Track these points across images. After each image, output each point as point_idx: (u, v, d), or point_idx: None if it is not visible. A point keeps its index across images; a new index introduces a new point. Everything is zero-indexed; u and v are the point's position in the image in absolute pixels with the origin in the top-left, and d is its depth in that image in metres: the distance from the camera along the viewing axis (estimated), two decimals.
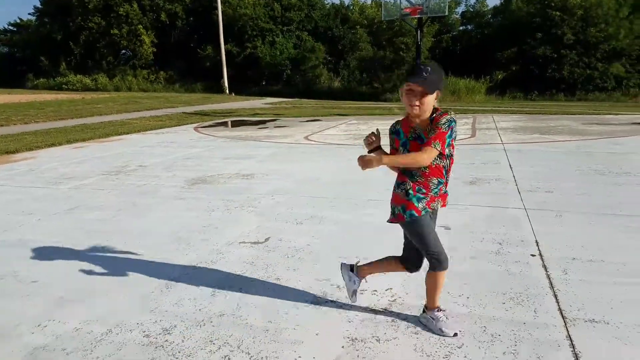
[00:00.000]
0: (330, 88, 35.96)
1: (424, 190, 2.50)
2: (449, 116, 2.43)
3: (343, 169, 7.30)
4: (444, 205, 2.62)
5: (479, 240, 4.00)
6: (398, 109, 20.57)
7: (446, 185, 2.58)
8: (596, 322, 2.69)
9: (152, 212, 5.14)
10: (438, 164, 2.48)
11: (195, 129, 13.70)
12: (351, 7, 40.21)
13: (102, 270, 3.60)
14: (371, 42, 35.18)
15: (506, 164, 7.22)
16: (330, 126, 13.62)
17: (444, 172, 2.52)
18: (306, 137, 11.17)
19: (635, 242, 3.88)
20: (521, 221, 4.48)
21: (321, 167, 7.44)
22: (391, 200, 2.64)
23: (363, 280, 2.96)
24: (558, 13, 34.79)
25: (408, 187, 2.51)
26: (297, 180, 6.50)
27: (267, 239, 4.14)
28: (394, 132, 2.58)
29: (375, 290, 3.11)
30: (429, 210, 2.53)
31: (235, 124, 15.05)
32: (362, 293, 3.06)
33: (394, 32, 32.88)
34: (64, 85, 38.02)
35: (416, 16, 16.42)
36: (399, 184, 2.57)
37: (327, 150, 9.26)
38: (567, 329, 2.62)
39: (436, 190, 2.53)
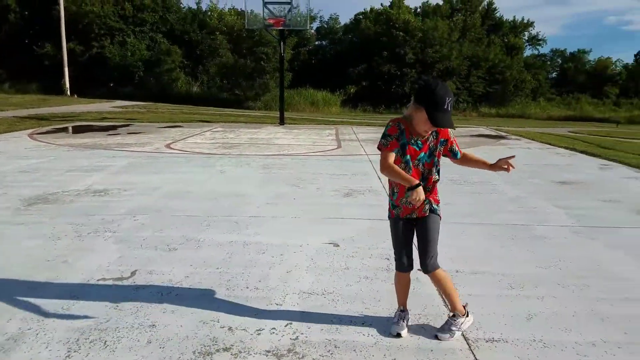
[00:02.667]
0: (188, 93, 34.63)
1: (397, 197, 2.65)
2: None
3: (216, 181, 6.78)
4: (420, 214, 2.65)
5: (368, 257, 3.88)
6: (263, 116, 20.41)
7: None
8: (496, 341, 2.67)
9: None
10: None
11: (31, 135, 11.80)
12: (209, 13, 39.19)
13: None
14: (231, 49, 34.67)
15: (374, 174, 7.38)
16: (194, 133, 12.83)
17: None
18: (167, 145, 10.29)
19: (506, 251, 4.11)
20: None
21: (190, 180, 6.79)
22: None
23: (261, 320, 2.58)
24: (401, 34, 38.21)
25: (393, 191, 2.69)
26: (162, 196, 5.79)
27: (133, 273, 3.46)
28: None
29: (274, 328, 2.72)
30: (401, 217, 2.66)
31: (81, 130, 13.33)
32: (259, 333, 2.66)
33: (254, 42, 32.87)
34: None
35: (279, 28, 16.44)
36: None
37: (194, 160, 8.58)
38: (473, 353, 2.54)
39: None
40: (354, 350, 2.54)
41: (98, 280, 3.34)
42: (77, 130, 13.41)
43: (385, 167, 2.51)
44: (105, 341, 2.54)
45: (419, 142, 2.55)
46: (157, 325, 2.73)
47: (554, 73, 52.27)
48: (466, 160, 2.76)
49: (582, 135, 16.15)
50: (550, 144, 11.98)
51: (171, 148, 9.98)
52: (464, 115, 33.37)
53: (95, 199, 5.59)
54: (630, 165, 8.56)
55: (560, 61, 52.64)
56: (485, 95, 40.76)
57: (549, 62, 51.86)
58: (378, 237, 4.32)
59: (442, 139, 2.61)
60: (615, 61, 50.60)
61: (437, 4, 46.19)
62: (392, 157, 2.51)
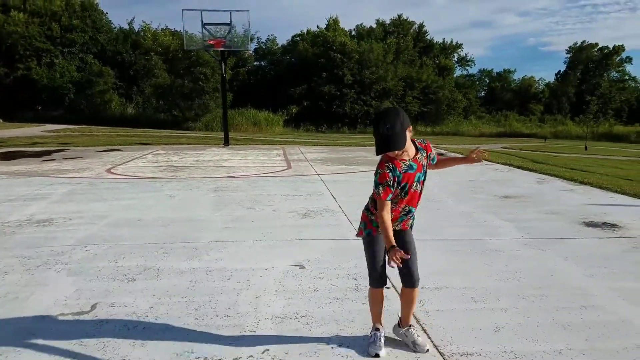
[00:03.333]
0: (123, 114, 33.46)
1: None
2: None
3: (166, 206, 6.52)
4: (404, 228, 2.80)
5: (336, 277, 3.88)
6: (206, 137, 20.02)
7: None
8: (470, 354, 2.74)
9: None
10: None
11: None
12: (142, 33, 38.29)
13: None
14: (167, 69, 33.97)
15: (329, 194, 7.42)
16: (134, 157, 12.34)
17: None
18: (108, 170, 9.83)
19: (465, 265, 4.24)
20: (362, 252, 4.53)
21: (138, 206, 6.50)
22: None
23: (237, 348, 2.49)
24: (339, 55, 39.10)
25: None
26: (111, 224, 5.50)
27: (93, 307, 3.26)
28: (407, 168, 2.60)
29: (251, 356, 2.65)
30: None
31: (11, 156, 12.45)
32: None
33: (191, 62, 32.41)
34: None
35: (220, 49, 16.35)
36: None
37: (139, 184, 8.23)
38: None
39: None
40: None
41: (57, 315, 3.11)
42: (8, 156, 12.50)
43: (379, 216, 2.55)
44: None
45: (412, 163, 2.58)
46: None
47: (483, 92, 55.36)
48: (442, 162, 2.88)
49: (515, 151, 17.16)
50: (488, 160, 12.60)
51: (113, 173, 9.54)
52: None
53: (40, 230, 5.21)
54: (565, 179, 9.16)
55: (487, 80, 55.87)
56: (421, 114, 42.42)
57: (477, 82, 54.91)
58: (342, 256, 4.35)
59: (429, 153, 2.72)
60: (538, 80, 54.67)
61: (371, 27, 47.88)
62: (388, 205, 2.55)
